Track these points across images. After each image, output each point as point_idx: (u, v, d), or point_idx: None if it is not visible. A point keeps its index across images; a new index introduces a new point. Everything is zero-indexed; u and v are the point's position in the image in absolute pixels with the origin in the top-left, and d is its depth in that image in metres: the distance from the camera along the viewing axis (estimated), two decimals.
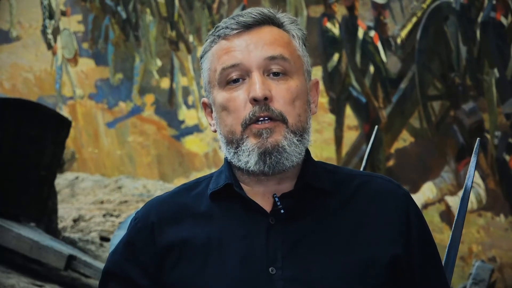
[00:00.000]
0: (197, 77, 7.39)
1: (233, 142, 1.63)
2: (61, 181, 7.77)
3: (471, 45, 5.16)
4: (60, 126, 5.37)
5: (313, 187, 1.66)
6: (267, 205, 1.65)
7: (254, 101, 1.61)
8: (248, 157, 1.61)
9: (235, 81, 1.64)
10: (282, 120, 1.61)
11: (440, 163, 5.45)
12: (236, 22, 1.65)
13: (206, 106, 1.72)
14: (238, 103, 1.62)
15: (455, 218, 1.91)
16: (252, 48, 1.64)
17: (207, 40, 1.69)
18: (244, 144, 1.62)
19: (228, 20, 1.67)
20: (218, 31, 1.67)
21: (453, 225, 1.91)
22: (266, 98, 1.61)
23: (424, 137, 5.56)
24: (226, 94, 1.64)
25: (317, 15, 6.24)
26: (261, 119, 1.61)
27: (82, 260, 4.74)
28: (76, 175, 8.12)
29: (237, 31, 1.65)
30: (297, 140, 1.63)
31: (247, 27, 1.66)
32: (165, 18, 7.66)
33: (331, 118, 6.17)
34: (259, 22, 1.66)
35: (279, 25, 1.68)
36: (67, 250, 4.81)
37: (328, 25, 6.12)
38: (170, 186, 7.29)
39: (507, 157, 5.04)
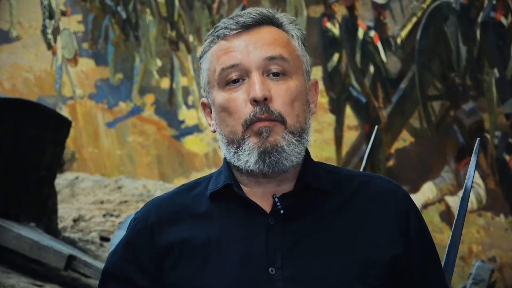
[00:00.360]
0: (197, 77, 7.38)
1: (234, 142, 1.63)
2: (61, 181, 7.77)
3: (471, 45, 5.16)
4: (60, 126, 5.37)
5: (312, 187, 1.66)
6: (266, 206, 1.65)
7: (254, 101, 1.61)
8: (248, 156, 1.61)
9: (235, 81, 1.64)
10: (281, 120, 1.61)
11: (440, 163, 5.45)
12: (235, 23, 1.65)
13: (206, 106, 1.72)
14: (238, 103, 1.62)
15: (455, 218, 1.91)
16: (251, 48, 1.63)
17: (206, 40, 1.69)
18: (246, 143, 1.62)
19: (227, 20, 1.67)
20: (217, 31, 1.67)
21: (453, 225, 1.91)
22: (265, 99, 1.61)
23: (424, 137, 5.56)
24: (226, 94, 1.64)
25: (317, 15, 6.24)
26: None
27: (82, 260, 4.74)
28: (76, 175, 8.12)
29: (236, 31, 1.65)
30: (295, 140, 1.63)
31: (246, 27, 1.65)
32: (165, 18, 7.66)
33: (331, 118, 6.16)
34: (258, 22, 1.66)
35: (278, 25, 1.68)
36: (67, 250, 4.81)
37: (328, 25, 6.12)
38: (170, 186, 7.28)
39: (507, 157, 5.03)
